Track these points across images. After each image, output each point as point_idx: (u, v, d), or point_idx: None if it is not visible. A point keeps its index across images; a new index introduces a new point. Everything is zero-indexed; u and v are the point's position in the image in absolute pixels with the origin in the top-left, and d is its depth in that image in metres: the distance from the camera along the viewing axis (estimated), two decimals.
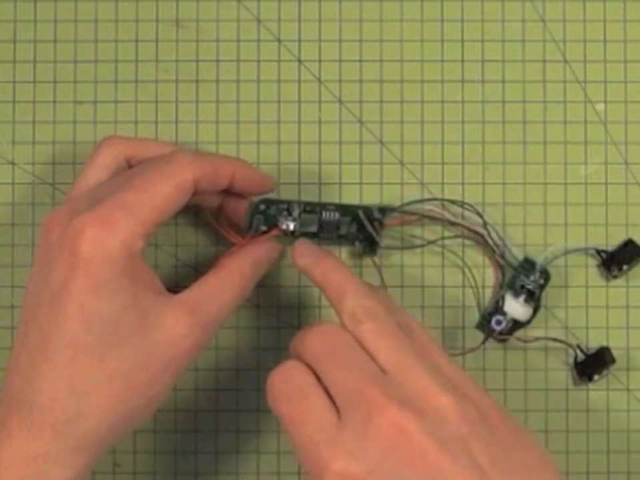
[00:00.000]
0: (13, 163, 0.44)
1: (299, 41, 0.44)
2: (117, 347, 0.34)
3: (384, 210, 0.41)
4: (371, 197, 0.43)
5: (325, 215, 0.41)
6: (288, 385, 0.33)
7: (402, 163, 0.44)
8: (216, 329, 0.37)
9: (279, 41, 0.44)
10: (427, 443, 0.30)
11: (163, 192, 0.36)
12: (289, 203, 0.41)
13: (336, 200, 0.43)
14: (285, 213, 0.40)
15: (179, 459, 0.43)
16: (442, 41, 0.44)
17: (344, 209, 0.41)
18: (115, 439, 0.36)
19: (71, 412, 0.34)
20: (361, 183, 0.44)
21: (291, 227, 0.40)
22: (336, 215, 0.41)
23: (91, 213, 0.34)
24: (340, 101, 0.44)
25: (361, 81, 0.44)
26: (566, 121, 0.44)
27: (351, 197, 0.43)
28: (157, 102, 0.44)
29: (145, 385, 0.35)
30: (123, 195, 0.35)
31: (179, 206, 0.36)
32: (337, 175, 0.44)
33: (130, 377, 0.35)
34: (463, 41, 0.44)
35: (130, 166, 0.39)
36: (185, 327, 0.35)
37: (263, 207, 0.40)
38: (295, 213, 0.40)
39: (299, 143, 0.44)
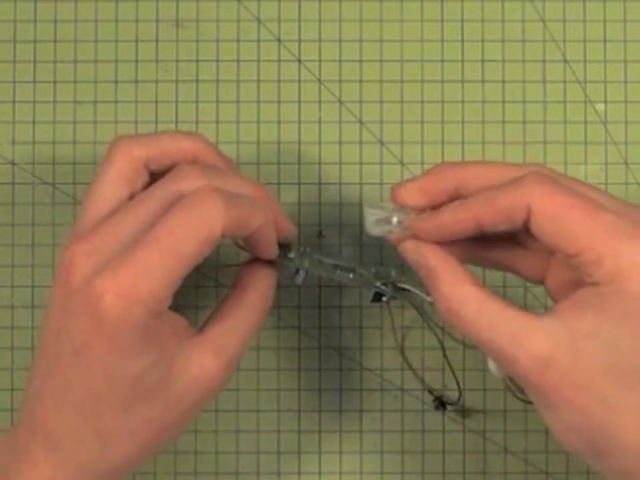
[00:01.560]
0: (13, 163, 0.44)
1: (299, 40, 0.44)
2: (142, 401, 0.33)
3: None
4: (371, 197, 0.43)
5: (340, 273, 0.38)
6: None
7: (402, 163, 0.44)
8: (239, 360, 0.36)
9: (279, 40, 0.44)
10: None
11: (189, 250, 0.32)
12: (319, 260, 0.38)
13: (337, 200, 0.43)
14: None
15: (179, 458, 0.43)
16: (442, 41, 0.44)
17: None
18: (136, 467, 0.36)
19: (96, 454, 0.34)
20: (361, 183, 0.44)
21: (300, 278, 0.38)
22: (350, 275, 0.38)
23: (112, 276, 0.32)
24: (340, 101, 0.44)
25: (361, 81, 0.44)
26: (566, 121, 0.44)
27: (351, 197, 0.43)
28: (156, 102, 0.44)
29: (170, 428, 0.34)
30: (145, 256, 0.32)
31: (203, 257, 0.33)
32: (337, 174, 0.44)
33: (155, 423, 0.34)
34: (463, 40, 0.44)
35: (151, 172, 0.36)
36: (211, 371, 0.34)
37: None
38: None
39: (299, 142, 0.44)
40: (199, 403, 0.35)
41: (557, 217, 0.31)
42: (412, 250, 0.34)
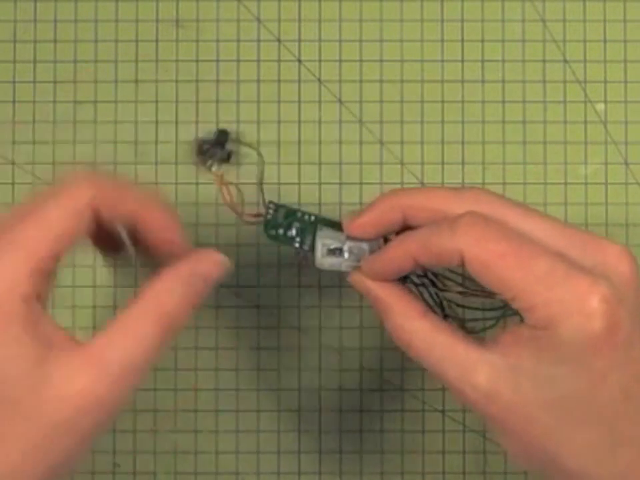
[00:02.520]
0: (13, 163, 0.44)
1: (299, 40, 0.44)
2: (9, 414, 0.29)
3: None
4: (371, 197, 0.43)
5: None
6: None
7: (402, 163, 0.44)
8: (134, 382, 0.31)
9: (279, 40, 0.44)
10: None
11: (53, 219, 0.30)
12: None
13: (337, 200, 0.43)
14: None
15: (179, 458, 0.43)
16: (442, 40, 0.44)
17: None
18: None
19: None
20: (361, 183, 0.44)
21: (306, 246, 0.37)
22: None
23: None
24: (340, 101, 0.44)
25: (361, 81, 0.44)
26: (566, 121, 0.44)
27: (351, 197, 0.43)
28: (156, 102, 0.44)
29: (39, 447, 0.30)
30: (5, 229, 0.30)
31: (75, 234, 0.31)
32: (337, 174, 0.44)
33: (19, 438, 0.29)
34: (463, 40, 0.44)
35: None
36: (81, 382, 0.29)
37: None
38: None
39: (299, 142, 0.44)
40: (73, 426, 0.30)
41: (489, 265, 0.31)
42: (360, 281, 0.35)
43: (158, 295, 0.32)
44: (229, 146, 0.41)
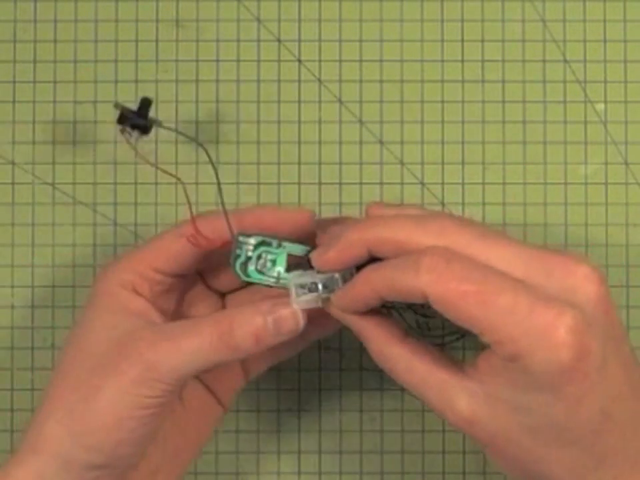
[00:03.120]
0: (13, 163, 0.44)
1: (299, 40, 0.44)
2: (99, 380, 0.35)
3: None
4: (371, 197, 0.43)
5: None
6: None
7: (402, 163, 0.44)
8: (175, 387, 0.35)
9: (279, 41, 0.44)
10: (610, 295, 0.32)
11: (163, 237, 0.37)
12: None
13: (336, 200, 0.43)
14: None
15: None
16: (442, 41, 0.44)
17: None
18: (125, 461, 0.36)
19: (75, 450, 0.35)
20: (361, 183, 0.44)
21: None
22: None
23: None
24: (340, 101, 0.44)
25: (361, 81, 0.44)
26: (566, 121, 0.44)
27: (351, 197, 0.43)
28: (156, 102, 0.44)
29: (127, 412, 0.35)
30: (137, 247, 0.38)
31: (176, 249, 0.37)
32: (337, 174, 0.44)
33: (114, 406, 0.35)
34: (463, 40, 0.44)
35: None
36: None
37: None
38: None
39: (299, 142, 0.44)
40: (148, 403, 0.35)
41: (452, 303, 0.31)
42: (336, 313, 0.35)
43: (231, 315, 0.35)
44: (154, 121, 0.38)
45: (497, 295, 0.31)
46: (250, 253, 0.36)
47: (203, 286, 0.40)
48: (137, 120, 0.36)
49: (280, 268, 0.36)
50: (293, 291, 0.35)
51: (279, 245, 0.36)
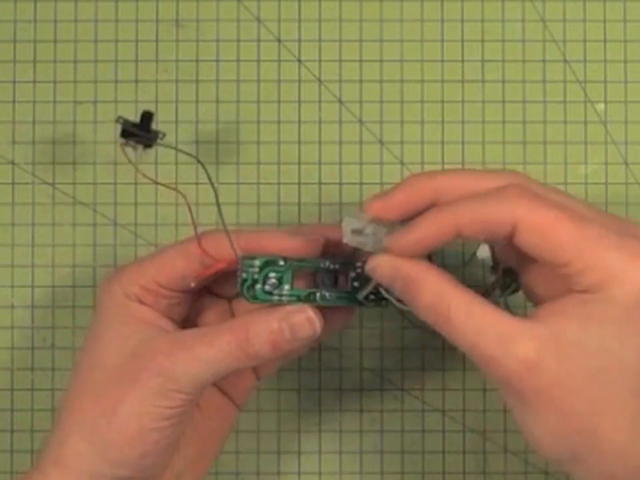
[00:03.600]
0: (13, 163, 0.44)
1: (299, 40, 0.44)
2: (113, 389, 0.35)
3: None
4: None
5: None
6: None
7: (402, 163, 0.44)
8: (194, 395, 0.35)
9: (279, 41, 0.44)
10: None
11: (167, 253, 0.37)
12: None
13: (336, 200, 0.43)
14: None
15: None
16: (442, 41, 0.44)
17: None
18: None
19: (97, 463, 0.35)
20: (361, 183, 0.44)
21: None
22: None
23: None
24: (340, 101, 0.44)
25: (361, 81, 0.44)
26: (566, 121, 0.44)
27: (351, 197, 0.43)
28: (157, 102, 0.44)
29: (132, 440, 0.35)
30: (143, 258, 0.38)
31: (180, 268, 0.36)
32: (337, 174, 0.44)
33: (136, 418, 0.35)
34: (463, 40, 0.44)
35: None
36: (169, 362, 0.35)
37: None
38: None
39: (299, 142, 0.44)
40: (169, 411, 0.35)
41: (543, 230, 0.31)
42: (384, 265, 0.33)
43: (248, 324, 0.35)
44: (155, 135, 0.37)
45: (588, 222, 0.31)
46: (256, 276, 0.36)
47: (210, 293, 0.40)
48: (140, 134, 0.36)
49: (287, 286, 0.36)
50: (344, 227, 0.34)
51: (285, 262, 0.36)
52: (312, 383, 0.43)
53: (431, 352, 0.43)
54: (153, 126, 0.36)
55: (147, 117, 0.36)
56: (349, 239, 0.34)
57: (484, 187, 0.32)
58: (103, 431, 0.35)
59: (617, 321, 0.30)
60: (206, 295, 0.39)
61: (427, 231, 0.32)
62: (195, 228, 0.36)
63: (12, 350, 0.43)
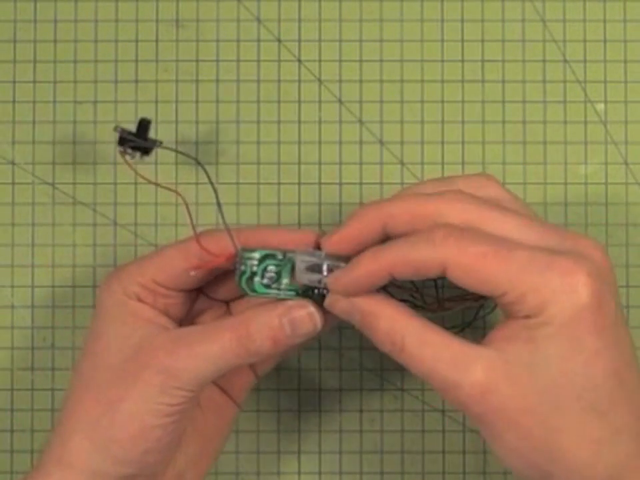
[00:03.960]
0: (13, 163, 0.44)
1: (299, 40, 0.44)
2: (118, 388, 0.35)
3: None
4: (371, 197, 0.43)
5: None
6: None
7: (402, 163, 0.44)
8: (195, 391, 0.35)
9: (279, 41, 0.44)
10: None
11: (166, 251, 0.37)
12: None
13: (336, 200, 0.43)
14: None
15: None
16: (442, 40, 0.44)
17: None
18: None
19: (101, 464, 0.35)
20: (361, 183, 0.44)
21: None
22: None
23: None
24: (340, 101, 0.44)
25: (361, 81, 0.44)
26: (566, 121, 0.44)
27: (351, 197, 0.43)
28: (157, 102, 0.44)
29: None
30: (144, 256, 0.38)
31: (179, 266, 0.37)
32: (337, 174, 0.44)
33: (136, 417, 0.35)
34: (463, 41, 0.44)
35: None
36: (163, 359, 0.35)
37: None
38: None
39: (299, 142, 0.44)
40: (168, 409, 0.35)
41: (472, 268, 0.32)
42: (342, 300, 0.34)
43: (248, 320, 0.35)
44: (151, 139, 0.38)
45: (515, 250, 0.31)
46: (255, 268, 0.36)
47: (207, 297, 0.40)
48: (137, 142, 0.37)
49: (286, 279, 0.36)
50: (297, 264, 0.35)
51: (284, 256, 0.36)
52: (312, 383, 0.43)
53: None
54: (152, 128, 0.37)
55: (144, 125, 0.37)
56: (300, 277, 0.35)
57: (429, 211, 0.33)
58: (105, 429, 0.35)
59: (558, 340, 0.31)
60: (204, 298, 0.39)
61: (360, 273, 0.33)
62: (194, 227, 0.36)
63: (12, 350, 0.43)
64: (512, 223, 0.33)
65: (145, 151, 0.37)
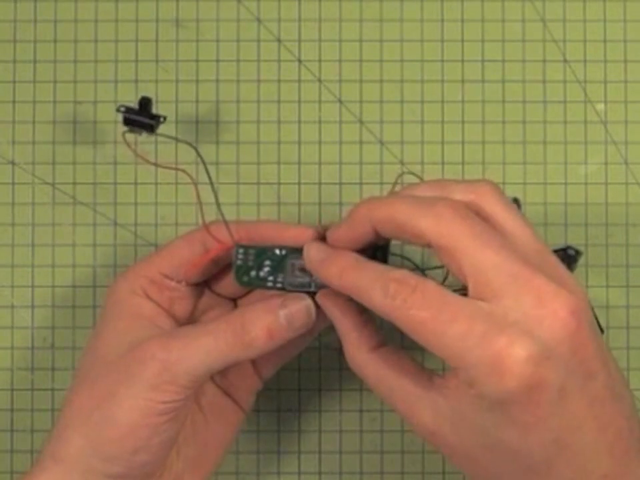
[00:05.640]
0: (13, 163, 0.44)
1: (299, 40, 0.44)
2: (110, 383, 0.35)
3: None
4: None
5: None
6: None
7: (402, 163, 0.44)
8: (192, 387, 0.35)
9: (279, 41, 0.44)
10: (589, 331, 0.31)
11: (172, 242, 0.38)
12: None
13: (336, 200, 0.43)
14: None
15: None
16: (442, 40, 0.44)
17: None
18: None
19: (96, 463, 0.35)
20: (361, 183, 0.44)
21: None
22: None
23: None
24: (340, 101, 0.44)
25: (361, 81, 0.44)
26: (566, 121, 0.44)
27: (351, 197, 0.43)
28: (156, 102, 0.44)
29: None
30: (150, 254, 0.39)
31: (184, 256, 0.37)
32: (337, 174, 0.44)
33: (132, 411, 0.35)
34: (463, 41, 0.44)
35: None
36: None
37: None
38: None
39: (299, 142, 0.44)
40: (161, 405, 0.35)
41: (413, 331, 0.31)
42: (324, 303, 0.35)
43: (244, 312, 0.35)
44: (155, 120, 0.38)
45: (452, 322, 0.31)
46: (251, 263, 0.36)
47: (214, 294, 0.40)
48: (142, 119, 0.37)
49: (282, 274, 0.36)
50: (288, 269, 0.36)
51: (280, 251, 0.36)
52: (312, 383, 0.43)
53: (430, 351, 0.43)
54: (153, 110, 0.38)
55: (146, 102, 0.37)
56: (290, 281, 0.36)
57: (413, 225, 0.33)
58: (97, 425, 0.35)
59: (493, 412, 0.31)
60: (210, 296, 0.39)
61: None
62: (201, 207, 0.37)
63: (12, 350, 0.43)
64: (487, 254, 0.31)
65: (150, 128, 0.37)
